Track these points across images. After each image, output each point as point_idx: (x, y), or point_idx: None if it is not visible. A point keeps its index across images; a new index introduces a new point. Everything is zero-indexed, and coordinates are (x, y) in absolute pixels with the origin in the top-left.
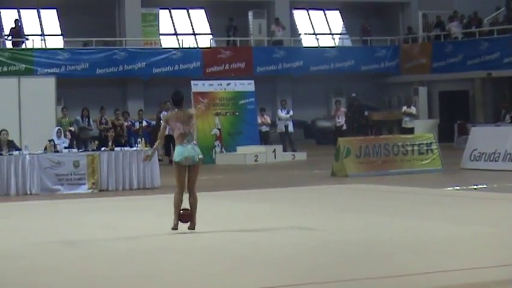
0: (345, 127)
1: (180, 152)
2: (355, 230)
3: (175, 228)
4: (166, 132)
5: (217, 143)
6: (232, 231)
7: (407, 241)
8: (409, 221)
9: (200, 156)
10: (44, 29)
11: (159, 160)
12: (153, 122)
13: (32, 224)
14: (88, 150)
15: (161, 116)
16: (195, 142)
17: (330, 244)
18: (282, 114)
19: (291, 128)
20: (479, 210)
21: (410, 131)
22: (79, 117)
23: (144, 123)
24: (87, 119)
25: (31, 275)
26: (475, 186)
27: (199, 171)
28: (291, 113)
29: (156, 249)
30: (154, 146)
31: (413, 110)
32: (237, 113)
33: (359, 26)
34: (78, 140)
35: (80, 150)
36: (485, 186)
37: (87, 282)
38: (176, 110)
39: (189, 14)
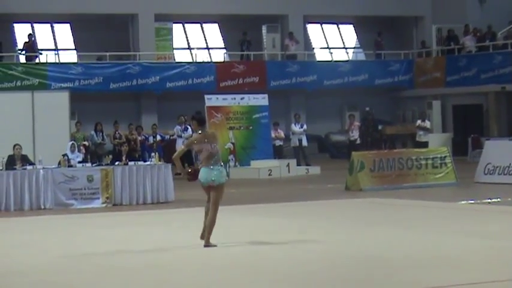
0: (358, 141)
1: (205, 175)
2: (369, 245)
3: (202, 238)
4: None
5: (231, 157)
6: (247, 246)
7: (422, 255)
8: (423, 235)
9: (224, 179)
10: (58, 43)
11: (177, 174)
12: (167, 136)
13: (45, 239)
14: (102, 165)
15: (175, 129)
16: (222, 163)
17: (344, 259)
18: (295, 128)
19: (304, 142)
20: (494, 224)
21: (425, 145)
22: (93, 132)
23: (159, 138)
24: (101, 134)
25: None
26: (489, 200)
27: (223, 190)
28: (305, 127)
29: (171, 264)
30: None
31: (427, 124)
32: (251, 127)
33: (373, 40)
34: (93, 155)
35: (94, 165)
36: (499, 200)
37: None
38: (200, 132)
39: (202, 28)
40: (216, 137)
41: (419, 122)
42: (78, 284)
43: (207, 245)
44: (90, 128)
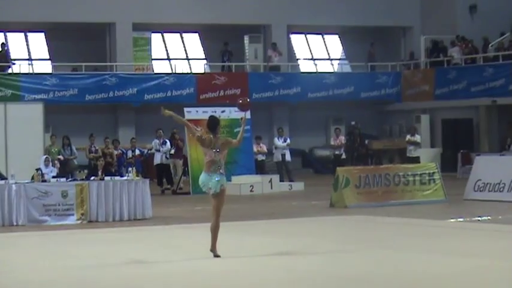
0: (344, 156)
1: (203, 181)
2: (354, 264)
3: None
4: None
5: None
6: (226, 264)
7: (410, 275)
8: (410, 254)
9: (222, 186)
10: (32, 53)
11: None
12: (146, 151)
13: (17, 257)
14: (77, 180)
15: (153, 143)
16: (221, 171)
17: (328, 278)
18: (278, 142)
19: (288, 157)
20: (483, 242)
21: (416, 160)
22: (61, 147)
23: (137, 152)
24: (69, 148)
25: None
26: (479, 218)
27: (223, 197)
28: (288, 141)
29: (147, 283)
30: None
31: (417, 138)
32: None
33: (359, 51)
34: (63, 168)
35: (69, 180)
36: (489, 217)
37: None
38: (212, 135)
39: (182, 38)
40: (225, 145)
41: (409, 136)
42: None
43: (213, 250)
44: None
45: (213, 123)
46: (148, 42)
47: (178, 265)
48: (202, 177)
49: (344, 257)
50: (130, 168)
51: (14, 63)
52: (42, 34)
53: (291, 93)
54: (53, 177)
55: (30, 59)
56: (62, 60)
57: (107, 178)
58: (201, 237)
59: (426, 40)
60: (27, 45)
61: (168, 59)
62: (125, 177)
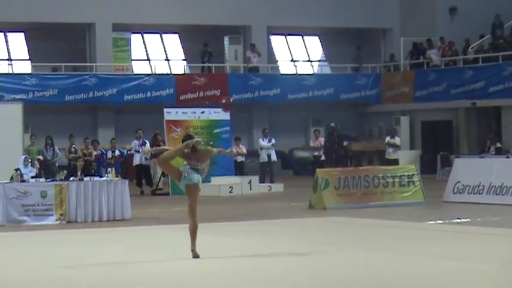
0: (323, 157)
1: (183, 169)
2: (334, 266)
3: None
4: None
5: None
6: (203, 266)
7: (388, 277)
8: (388, 255)
9: (198, 181)
10: (11, 53)
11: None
12: (126, 151)
13: None
14: (56, 180)
15: (132, 144)
16: (200, 174)
17: (306, 279)
18: (263, 143)
19: (274, 157)
20: (462, 245)
21: (395, 162)
22: (43, 147)
23: (117, 153)
24: (52, 148)
25: None
26: (458, 220)
27: (197, 198)
28: (273, 141)
29: (125, 285)
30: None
31: (397, 140)
32: (212, 142)
33: (339, 52)
34: (45, 171)
35: (48, 180)
36: (468, 220)
37: None
38: (191, 151)
39: (162, 39)
40: (207, 156)
41: (388, 138)
42: None
43: (193, 249)
44: (44, 142)
45: (189, 139)
46: (128, 42)
47: (158, 266)
48: (184, 167)
49: (322, 258)
50: (109, 169)
51: None
52: (22, 34)
53: (271, 94)
54: (32, 177)
55: (9, 59)
56: (41, 61)
57: (86, 178)
58: (180, 238)
59: (406, 42)
60: (7, 45)
61: (148, 59)
62: (104, 178)
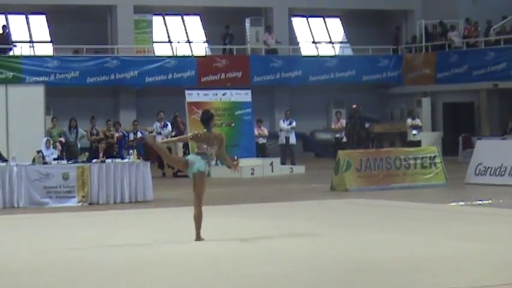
0: (344, 139)
1: (190, 158)
2: (355, 247)
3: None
4: None
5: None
6: (227, 247)
7: (409, 259)
8: (411, 237)
9: (205, 170)
10: (33, 36)
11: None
12: (147, 133)
13: (18, 240)
14: (78, 162)
15: (154, 126)
16: (208, 161)
17: (329, 262)
18: (283, 125)
19: (293, 140)
20: (484, 226)
21: (417, 144)
22: (66, 129)
23: (139, 135)
24: (75, 131)
25: None
26: (480, 202)
27: (204, 186)
28: (293, 124)
29: (149, 264)
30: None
31: (418, 122)
32: (233, 124)
33: (360, 34)
34: (67, 153)
35: (70, 162)
36: (490, 201)
37: None
38: (205, 131)
39: (183, 21)
40: (218, 142)
41: (410, 120)
42: (54, 286)
43: (198, 239)
44: (66, 123)
45: (206, 118)
46: (150, 24)
47: (180, 247)
48: (191, 156)
49: (343, 239)
50: (131, 151)
51: (15, 46)
52: (44, 16)
53: (292, 77)
54: (54, 159)
55: (31, 42)
56: (63, 43)
57: (108, 160)
58: (202, 219)
59: (428, 24)
60: (29, 27)
61: (170, 41)
62: (126, 160)
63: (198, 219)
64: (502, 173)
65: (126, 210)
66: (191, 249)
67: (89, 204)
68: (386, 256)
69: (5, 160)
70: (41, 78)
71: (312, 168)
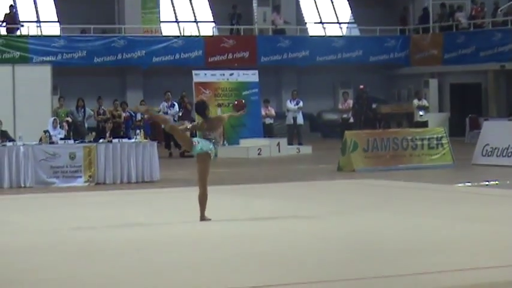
0: (351, 120)
1: (196, 139)
2: (363, 228)
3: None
4: None
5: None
6: (235, 227)
7: (416, 239)
8: (418, 218)
9: (210, 151)
10: (40, 15)
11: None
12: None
13: (25, 219)
14: (85, 142)
15: (161, 106)
16: (213, 141)
17: (336, 242)
18: (290, 105)
19: (300, 120)
20: (491, 207)
21: (424, 124)
22: (74, 109)
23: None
24: (83, 110)
25: (23, 273)
26: (487, 183)
27: (209, 167)
28: (301, 104)
29: (157, 244)
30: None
31: (425, 102)
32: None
33: (367, 14)
34: (75, 133)
35: (76, 142)
36: (497, 182)
37: (82, 279)
38: (202, 121)
39: (191, 1)
40: (218, 123)
41: (416, 101)
42: (60, 265)
43: (203, 219)
44: (73, 103)
45: (200, 107)
46: (157, 4)
47: (186, 227)
48: (197, 138)
49: (350, 220)
50: (138, 131)
51: (22, 25)
52: None
53: (300, 57)
54: (61, 139)
55: (38, 21)
56: (70, 22)
57: (115, 140)
58: (210, 199)
59: (435, 4)
60: (36, 7)
61: (177, 21)
62: (133, 140)
63: (202, 200)
64: (509, 154)
65: (133, 190)
66: (196, 229)
67: (96, 184)
68: (392, 236)
69: (12, 140)
70: (48, 58)
71: (319, 148)
